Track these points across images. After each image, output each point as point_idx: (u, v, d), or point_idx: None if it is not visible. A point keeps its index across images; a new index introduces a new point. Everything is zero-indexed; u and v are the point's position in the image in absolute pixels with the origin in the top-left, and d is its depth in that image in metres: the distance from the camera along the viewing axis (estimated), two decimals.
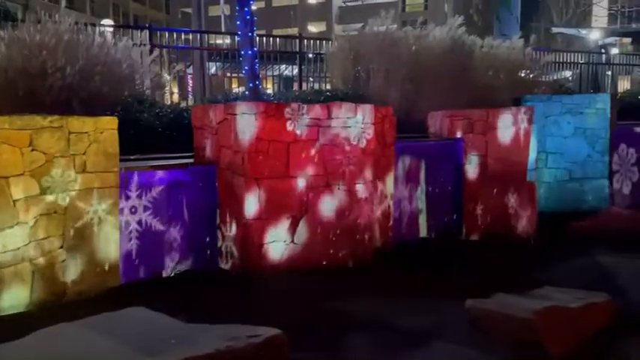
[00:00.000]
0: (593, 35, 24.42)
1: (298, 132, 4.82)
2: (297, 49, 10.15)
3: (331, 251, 5.01)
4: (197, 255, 4.86)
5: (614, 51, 19.33)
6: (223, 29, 21.13)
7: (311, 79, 10.52)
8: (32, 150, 3.87)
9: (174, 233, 4.71)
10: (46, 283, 3.96)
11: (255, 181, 4.70)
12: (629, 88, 16.78)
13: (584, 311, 3.72)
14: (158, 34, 8.92)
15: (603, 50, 18.40)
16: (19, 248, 3.83)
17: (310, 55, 10.17)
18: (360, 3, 42.46)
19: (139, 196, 4.50)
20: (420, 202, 6.05)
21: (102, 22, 12.39)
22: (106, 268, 4.25)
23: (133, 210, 4.47)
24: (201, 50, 10.21)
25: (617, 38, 24.45)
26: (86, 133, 4.13)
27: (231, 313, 3.79)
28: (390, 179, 5.59)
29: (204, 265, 4.86)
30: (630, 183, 7.55)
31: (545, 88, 9.54)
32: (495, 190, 6.23)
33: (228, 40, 11.39)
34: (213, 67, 12.35)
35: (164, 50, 8.74)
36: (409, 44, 8.14)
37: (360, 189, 5.17)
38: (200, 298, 4.27)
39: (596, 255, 5.64)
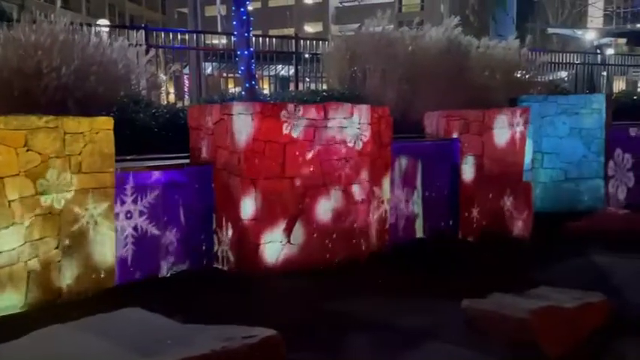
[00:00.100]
0: (589, 36, 24.48)
1: (294, 132, 4.82)
2: (294, 50, 10.15)
3: (328, 252, 5.01)
4: (193, 254, 4.84)
5: (610, 51, 19.40)
6: (219, 29, 21.12)
7: (307, 79, 10.53)
8: (27, 150, 3.86)
9: (170, 234, 4.69)
10: (41, 284, 3.94)
11: (252, 181, 4.69)
12: (624, 88, 16.86)
13: (580, 311, 3.73)
14: (154, 34, 8.91)
15: (599, 51, 18.47)
16: (14, 249, 3.81)
17: (307, 56, 10.18)
18: (356, 3, 42.50)
19: (134, 197, 4.48)
20: (416, 202, 6.05)
21: (98, 22, 12.36)
22: (102, 268, 4.24)
23: (128, 215, 4.44)
24: (198, 50, 10.20)
25: (613, 39, 24.53)
26: (82, 133, 4.12)
27: (228, 313, 3.78)
28: (386, 179, 5.59)
29: (201, 266, 4.85)
30: (626, 188, 7.56)
31: (540, 88, 9.56)
32: (491, 190, 6.23)
33: (224, 41, 11.39)
34: (209, 68, 12.34)
35: (160, 50, 8.73)
36: (405, 44, 8.15)
37: (357, 189, 5.17)
38: (196, 298, 4.26)
39: (592, 255, 5.66)
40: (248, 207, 4.70)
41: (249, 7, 7.43)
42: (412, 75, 7.90)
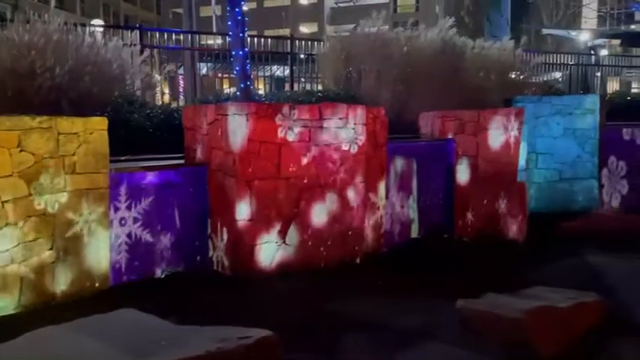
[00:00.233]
0: (583, 37, 24.62)
1: (290, 133, 4.81)
2: (289, 50, 10.15)
3: (324, 252, 5.01)
4: (188, 255, 4.83)
5: (604, 52, 19.49)
6: (214, 30, 21.08)
7: (302, 79, 10.52)
8: (21, 151, 3.83)
9: (164, 235, 4.68)
10: (35, 285, 3.92)
11: (247, 182, 4.68)
12: (618, 89, 16.94)
13: (574, 311, 3.74)
14: (149, 34, 8.88)
15: (592, 52, 18.55)
16: (7, 250, 3.79)
17: (302, 56, 10.17)
18: (351, 4, 42.52)
19: (128, 198, 4.46)
20: (411, 203, 6.06)
21: (92, 22, 12.32)
22: (97, 268, 4.22)
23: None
24: (192, 51, 10.18)
25: (607, 40, 24.66)
26: (76, 133, 4.10)
27: (223, 314, 3.77)
28: (381, 179, 5.58)
29: (196, 267, 4.84)
30: (620, 196, 7.59)
31: (535, 89, 9.61)
32: (486, 191, 6.25)
33: (219, 41, 11.37)
34: (204, 68, 12.32)
35: (155, 50, 8.71)
36: (401, 45, 8.16)
37: (353, 189, 5.17)
38: (191, 299, 4.24)
39: (587, 255, 5.68)
40: (243, 208, 4.69)
41: (244, 8, 7.42)
42: (407, 75, 7.91)
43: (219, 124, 4.78)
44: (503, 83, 8.72)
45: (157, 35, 8.98)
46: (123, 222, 4.42)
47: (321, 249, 5.00)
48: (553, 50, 20.37)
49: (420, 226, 6.10)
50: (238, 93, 7.41)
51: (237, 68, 7.31)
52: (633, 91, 19.24)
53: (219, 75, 11.78)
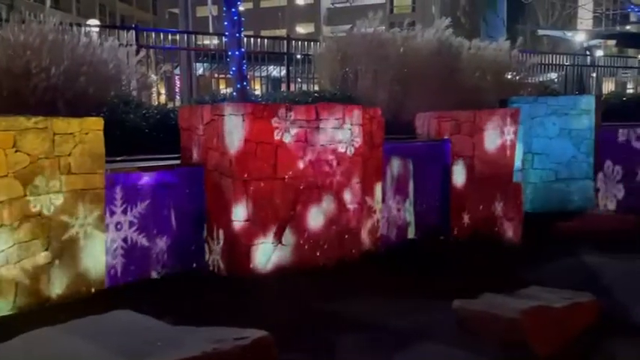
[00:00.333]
0: (579, 37, 24.67)
1: (286, 133, 4.81)
2: (285, 50, 10.14)
3: (320, 252, 5.00)
4: (184, 255, 4.82)
5: (599, 53, 19.54)
6: (211, 30, 21.06)
7: (299, 80, 10.52)
8: (16, 151, 3.82)
9: (160, 235, 4.67)
10: (30, 286, 3.91)
11: (243, 182, 4.68)
12: (613, 89, 17.00)
13: (569, 311, 3.75)
14: (145, 34, 8.87)
15: (588, 52, 18.60)
16: (2, 251, 3.77)
17: (298, 56, 10.17)
18: (348, 4, 42.57)
19: (124, 198, 4.44)
20: (407, 203, 6.06)
21: (88, 22, 12.28)
22: (92, 268, 4.21)
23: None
24: (189, 51, 10.16)
25: (602, 40, 24.73)
26: (71, 134, 4.09)
27: (219, 315, 3.77)
28: (377, 180, 5.59)
29: (192, 268, 4.83)
30: (615, 200, 7.62)
31: (531, 89, 9.63)
32: (482, 191, 6.26)
33: (215, 41, 11.38)
34: (200, 68, 12.30)
35: (151, 51, 8.69)
36: (397, 46, 8.18)
37: (349, 190, 5.17)
38: (187, 300, 4.23)
39: (582, 255, 5.69)
40: (239, 208, 4.68)
41: (241, 8, 7.43)
42: (403, 76, 7.93)
43: (216, 124, 4.77)
44: (499, 84, 8.74)
45: (153, 35, 8.97)
46: (119, 226, 4.40)
47: (318, 249, 5.00)
48: (549, 51, 20.43)
49: (417, 226, 6.11)
50: (235, 93, 7.41)
51: (233, 68, 7.31)
52: (628, 91, 19.30)
53: (216, 75, 11.77)
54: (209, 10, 25.08)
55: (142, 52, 7.44)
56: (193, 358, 2.67)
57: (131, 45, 7.28)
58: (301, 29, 42.68)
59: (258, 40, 10.45)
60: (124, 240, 4.44)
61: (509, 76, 9.44)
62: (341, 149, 5.12)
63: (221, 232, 4.79)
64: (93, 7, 43.34)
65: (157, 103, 8.82)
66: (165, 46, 9.24)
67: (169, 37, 9.54)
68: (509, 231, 6.44)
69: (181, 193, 4.78)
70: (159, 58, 9.29)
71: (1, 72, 5.62)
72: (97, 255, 4.24)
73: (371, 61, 7.94)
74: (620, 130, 7.57)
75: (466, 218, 6.22)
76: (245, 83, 7.44)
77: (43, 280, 3.97)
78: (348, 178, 5.18)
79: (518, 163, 6.55)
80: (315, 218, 4.99)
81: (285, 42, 10.33)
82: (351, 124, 5.19)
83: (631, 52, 25.07)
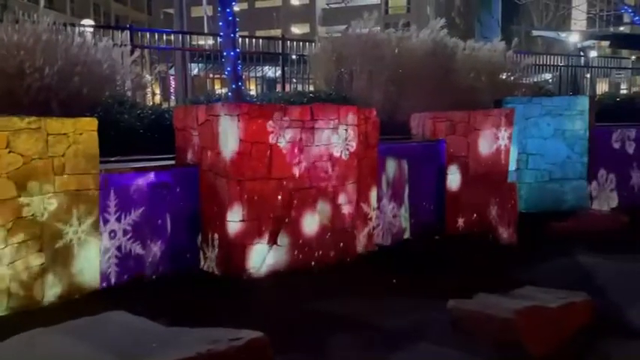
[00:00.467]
0: (573, 38, 24.76)
1: (281, 134, 4.80)
2: (281, 51, 10.14)
3: (315, 252, 5.00)
4: (179, 256, 4.81)
5: (593, 54, 19.63)
6: (206, 30, 21.02)
7: (294, 80, 10.51)
8: (9, 152, 3.80)
9: (155, 235, 4.65)
10: (23, 288, 3.89)
11: (238, 182, 4.67)
12: (607, 90, 17.09)
13: (564, 311, 3.76)
14: (139, 34, 8.83)
15: (582, 53, 18.67)
16: None
17: (293, 57, 10.16)
18: (343, 5, 42.56)
19: (118, 199, 4.43)
20: (403, 204, 6.07)
21: (82, 22, 12.24)
22: (86, 269, 4.19)
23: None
24: (184, 51, 10.14)
25: (596, 41, 24.84)
26: (65, 134, 4.07)
27: (214, 316, 3.76)
28: (372, 179, 5.59)
29: (186, 268, 4.81)
30: (609, 201, 7.69)
31: (525, 90, 9.66)
32: (477, 190, 6.28)
33: (210, 41, 11.34)
34: (195, 68, 12.28)
35: (146, 51, 8.66)
36: (392, 46, 8.18)
37: (344, 190, 5.17)
38: (182, 301, 4.21)
39: (577, 255, 5.72)
40: (234, 209, 4.67)
41: (236, 8, 7.40)
42: (398, 76, 7.93)
43: (211, 124, 4.76)
44: (494, 84, 8.76)
45: (148, 35, 8.93)
46: (113, 230, 4.39)
47: (313, 250, 4.99)
48: (543, 51, 20.51)
49: (412, 226, 6.11)
50: (230, 94, 7.39)
51: (228, 69, 7.29)
52: (622, 92, 19.41)
53: (211, 75, 11.75)
54: (204, 11, 25.02)
55: (137, 53, 7.40)
56: (188, 359, 2.66)
57: (125, 45, 7.25)
58: (296, 30, 42.70)
59: (253, 40, 10.43)
60: (119, 234, 4.42)
61: (503, 77, 9.45)
62: (336, 150, 5.12)
63: (216, 232, 4.78)
64: (87, 7, 43.20)
65: (151, 103, 8.80)
66: (160, 47, 9.20)
67: (164, 37, 9.50)
68: (504, 231, 6.45)
69: (176, 193, 4.77)
70: (153, 58, 9.25)
71: None
72: (91, 256, 4.22)
73: (366, 62, 7.94)
74: (614, 134, 7.62)
75: (461, 218, 6.24)
76: (240, 83, 7.42)
77: (36, 281, 3.95)
78: (344, 179, 5.18)
79: (512, 163, 6.57)
80: (310, 218, 4.99)
81: (280, 42, 10.32)
82: (346, 125, 5.19)
83: (624, 52, 25.22)
